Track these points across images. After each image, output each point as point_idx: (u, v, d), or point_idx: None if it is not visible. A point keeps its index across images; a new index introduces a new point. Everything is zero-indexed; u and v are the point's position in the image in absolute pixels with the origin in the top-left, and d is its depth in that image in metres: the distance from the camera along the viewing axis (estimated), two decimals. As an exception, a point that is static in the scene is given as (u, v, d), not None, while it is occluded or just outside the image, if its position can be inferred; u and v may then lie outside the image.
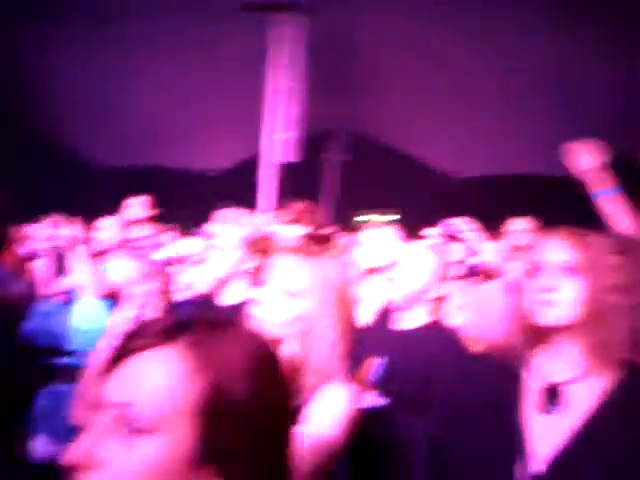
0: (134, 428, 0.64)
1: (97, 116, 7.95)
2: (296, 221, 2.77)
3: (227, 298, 2.27)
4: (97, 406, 0.67)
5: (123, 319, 1.37)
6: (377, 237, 2.85)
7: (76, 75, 7.59)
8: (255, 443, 0.67)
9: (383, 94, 7.99)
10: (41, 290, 3.18)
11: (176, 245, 3.09)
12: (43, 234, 3.10)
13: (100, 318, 3.17)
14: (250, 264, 2.23)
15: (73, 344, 3.11)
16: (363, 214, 9.45)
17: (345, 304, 1.46)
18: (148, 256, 2.81)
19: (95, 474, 0.63)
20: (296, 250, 1.50)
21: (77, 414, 1.37)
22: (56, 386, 3.01)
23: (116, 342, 1.22)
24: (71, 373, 3.06)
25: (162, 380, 0.65)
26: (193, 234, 4.76)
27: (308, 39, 7.05)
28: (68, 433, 2.92)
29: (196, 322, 0.72)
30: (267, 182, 7.18)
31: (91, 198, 5.35)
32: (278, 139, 7.16)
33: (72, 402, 1.90)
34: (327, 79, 7.40)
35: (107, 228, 3.23)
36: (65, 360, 3.06)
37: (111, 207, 3.66)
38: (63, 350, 3.05)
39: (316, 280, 1.39)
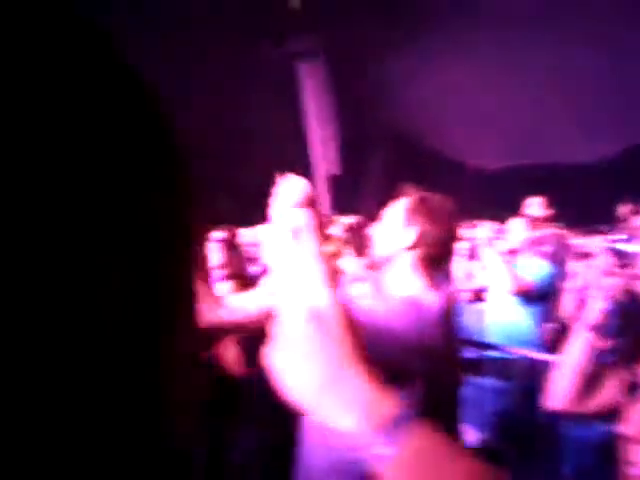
0: None
1: (474, 120, 8.18)
2: None
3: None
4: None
5: (597, 311, 1.41)
6: None
7: (449, 80, 7.97)
8: None
9: None
10: (458, 288, 3.46)
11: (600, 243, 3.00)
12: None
13: (514, 313, 3.31)
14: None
15: (490, 339, 3.30)
16: None
17: None
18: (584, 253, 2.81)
19: None
20: None
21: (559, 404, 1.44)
22: (475, 378, 3.22)
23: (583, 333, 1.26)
24: (489, 366, 3.25)
25: None
26: (591, 232, 4.50)
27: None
28: (489, 421, 3.12)
29: None
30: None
31: (477, 200, 5.59)
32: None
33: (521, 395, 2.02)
34: None
35: (515, 229, 3.34)
36: (482, 354, 3.26)
37: (502, 209, 3.76)
38: (480, 344, 3.26)
39: None
